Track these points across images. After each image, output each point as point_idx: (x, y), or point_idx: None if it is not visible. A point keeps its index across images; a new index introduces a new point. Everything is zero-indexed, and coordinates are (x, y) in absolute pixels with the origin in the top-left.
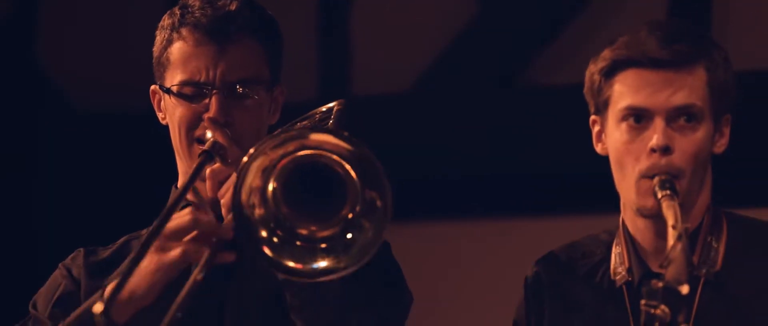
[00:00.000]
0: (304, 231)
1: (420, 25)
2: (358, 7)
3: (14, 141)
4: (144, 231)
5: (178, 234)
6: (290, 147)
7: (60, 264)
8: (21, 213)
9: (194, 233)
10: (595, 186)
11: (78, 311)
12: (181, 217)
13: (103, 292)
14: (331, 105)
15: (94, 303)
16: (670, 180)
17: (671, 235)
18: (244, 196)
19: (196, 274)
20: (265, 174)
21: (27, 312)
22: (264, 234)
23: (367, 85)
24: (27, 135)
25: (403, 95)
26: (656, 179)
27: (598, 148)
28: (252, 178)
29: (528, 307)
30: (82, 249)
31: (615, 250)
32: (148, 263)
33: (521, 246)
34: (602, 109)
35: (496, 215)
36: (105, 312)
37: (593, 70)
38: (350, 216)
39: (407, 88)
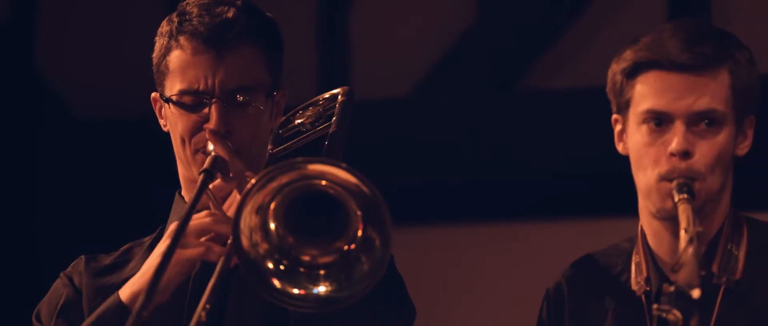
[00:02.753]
0: (306, 258)
1: (420, 29)
2: (358, 10)
3: (13, 145)
4: (146, 239)
5: (198, 233)
6: (287, 178)
7: (61, 274)
8: (21, 217)
9: (212, 234)
10: (595, 189)
11: (100, 309)
12: (200, 218)
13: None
14: (334, 92)
15: (117, 300)
16: (687, 183)
17: (683, 238)
18: (244, 234)
19: (219, 269)
20: (265, 208)
21: (28, 316)
22: (270, 266)
23: (367, 89)
24: (26, 140)
25: (402, 99)
26: (674, 182)
27: (620, 148)
28: (250, 214)
29: (549, 320)
30: (82, 256)
31: (634, 260)
32: None
33: (521, 250)
34: (624, 108)
35: (496, 219)
36: (145, 301)
37: (615, 70)
38: (346, 248)
39: (407, 92)
